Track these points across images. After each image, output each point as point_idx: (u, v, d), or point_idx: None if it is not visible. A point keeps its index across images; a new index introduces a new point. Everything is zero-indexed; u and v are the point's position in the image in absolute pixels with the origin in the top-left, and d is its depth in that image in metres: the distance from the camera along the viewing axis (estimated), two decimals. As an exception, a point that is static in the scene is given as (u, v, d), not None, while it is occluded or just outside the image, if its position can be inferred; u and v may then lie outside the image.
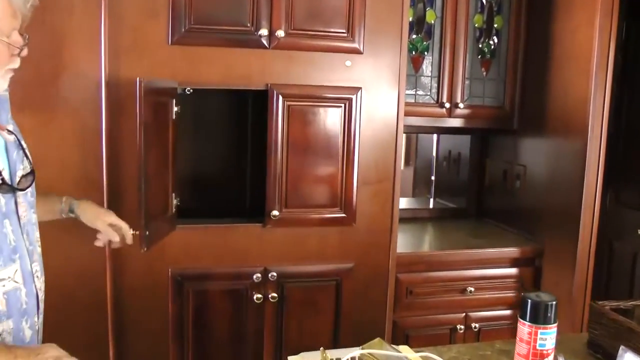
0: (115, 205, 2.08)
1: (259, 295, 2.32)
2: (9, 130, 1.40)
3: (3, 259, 1.30)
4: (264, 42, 2.20)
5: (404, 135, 3.23)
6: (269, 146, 2.26)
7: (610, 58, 2.39)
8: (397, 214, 2.43)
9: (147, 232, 1.92)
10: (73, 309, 2.13)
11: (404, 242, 2.69)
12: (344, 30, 2.27)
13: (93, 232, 1.81)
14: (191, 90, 2.24)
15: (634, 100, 2.83)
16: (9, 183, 1.35)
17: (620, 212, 2.94)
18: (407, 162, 3.73)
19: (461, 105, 2.79)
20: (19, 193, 1.38)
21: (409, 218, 3.19)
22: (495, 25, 2.85)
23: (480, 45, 2.84)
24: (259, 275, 2.31)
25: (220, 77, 2.20)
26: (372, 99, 2.34)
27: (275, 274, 2.33)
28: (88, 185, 2.10)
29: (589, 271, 2.52)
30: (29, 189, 1.43)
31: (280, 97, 2.22)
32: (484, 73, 2.85)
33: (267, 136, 2.25)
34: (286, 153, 2.27)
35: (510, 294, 2.69)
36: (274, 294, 2.33)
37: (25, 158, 1.43)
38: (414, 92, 2.77)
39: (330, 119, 2.30)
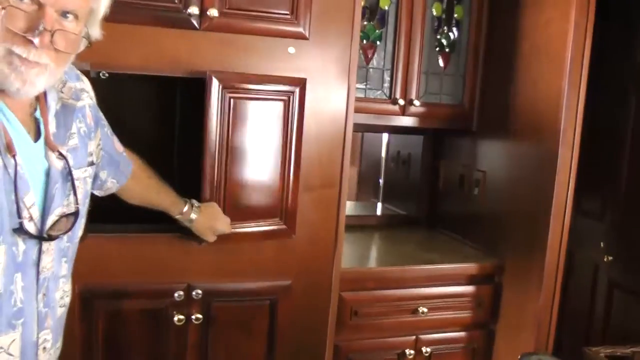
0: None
1: (181, 316, 2.08)
2: (60, 154, 1.15)
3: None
4: (194, 22, 1.95)
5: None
6: (206, 148, 1.98)
7: (586, 54, 2.24)
8: (342, 225, 2.23)
9: None
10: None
11: (348, 255, 2.50)
12: (287, 12, 2.04)
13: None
14: (106, 75, 1.97)
15: (600, 104, 2.72)
16: (31, 229, 1.10)
17: (581, 222, 2.83)
18: (352, 162, 3.56)
19: (416, 102, 2.61)
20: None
21: (354, 225, 2.98)
22: (456, 15, 2.68)
23: (438, 37, 2.67)
24: (182, 292, 2.08)
25: (141, 61, 1.94)
26: (318, 93, 2.12)
27: (200, 291, 2.09)
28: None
29: (556, 289, 2.39)
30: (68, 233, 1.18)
31: (221, 87, 1.95)
32: (442, 67, 2.69)
33: (203, 135, 1.97)
34: (225, 156, 2.02)
35: (466, 314, 2.54)
36: (199, 315, 2.10)
37: (73, 194, 1.18)
38: (364, 86, 2.58)
39: (271, 114, 2.07)
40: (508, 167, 2.57)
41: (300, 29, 2.07)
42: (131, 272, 2.05)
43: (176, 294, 2.07)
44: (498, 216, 2.62)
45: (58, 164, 1.17)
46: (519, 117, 2.50)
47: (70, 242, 1.24)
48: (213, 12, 1.95)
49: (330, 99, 2.15)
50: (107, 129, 1.49)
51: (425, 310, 2.44)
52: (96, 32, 1.21)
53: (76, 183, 1.21)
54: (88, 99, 1.34)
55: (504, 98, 2.56)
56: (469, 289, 2.53)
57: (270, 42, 2.04)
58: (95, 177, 1.42)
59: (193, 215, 1.89)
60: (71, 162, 1.20)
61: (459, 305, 2.52)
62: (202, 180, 1.99)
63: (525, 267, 2.46)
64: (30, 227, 1.10)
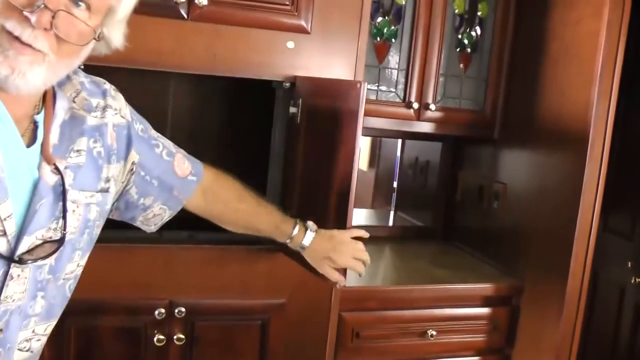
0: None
1: (161, 336, 1.91)
2: (55, 167, 0.98)
3: None
4: (181, 10, 1.79)
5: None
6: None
7: (619, 58, 2.03)
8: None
9: None
10: None
11: (351, 271, 2.28)
12: (286, 2, 1.86)
13: None
14: (81, 67, 1.79)
15: (633, 112, 2.51)
16: (1, 246, 0.94)
17: (608, 240, 2.63)
18: (367, 168, 3.40)
19: (432, 106, 2.41)
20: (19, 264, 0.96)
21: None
22: (479, 13, 2.48)
23: (459, 36, 2.47)
24: (163, 310, 1.90)
25: (120, 53, 1.76)
26: (320, 93, 1.93)
27: (183, 309, 1.92)
28: None
29: (579, 314, 2.19)
30: (49, 262, 1.02)
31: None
32: (463, 69, 2.49)
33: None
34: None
35: (480, 338, 2.34)
36: (181, 335, 1.93)
37: (62, 217, 1.01)
38: (376, 87, 2.39)
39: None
40: (531, 180, 2.38)
41: (301, 22, 1.89)
42: (106, 285, 1.87)
43: (157, 312, 1.91)
44: (518, 232, 2.43)
45: (50, 179, 0.99)
46: (544, 126, 2.30)
47: (52, 275, 1.04)
48: (202, 0, 1.77)
49: (333, 100, 1.95)
50: (161, 150, 1.30)
51: (435, 333, 2.26)
52: (117, 38, 1.07)
53: (70, 206, 1.03)
54: (115, 116, 1.15)
55: (529, 104, 2.36)
56: (483, 311, 2.34)
57: (266, 35, 1.87)
58: (130, 206, 1.27)
59: (306, 241, 1.60)
60: (68, 181, 1.02)
61: (472, 328, 2.33)
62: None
63: (546, 289, 2.27)
64: (1, 244, 0.93)
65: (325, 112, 1.77)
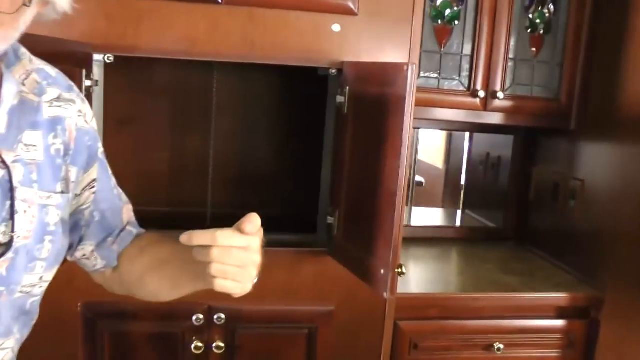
0: None
1: (200, 344, 1.84)
2: (1, 160, 0.90)
3: None
4: (216, -7, 1.71)
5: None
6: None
7: None
8: (398, 239, 1.87)
9: None
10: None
11: (411, 275, 2.20)
12: (331, -19, 1.75)
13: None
14: (112, 59, 1.73)
15: None
16: None
17: None
18: (436, 164, 3.25)
19: (500, 95, 2.25)
20: None
21: (427, 238, 2.68)
22: (553, -11, 2.33)
23: (530, 16, 2.31)
24: (201, 316, 1.84)
25: (152, 42, 1.71)
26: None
27: (223, 315, 1.85)
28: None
29: None
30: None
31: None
32: (534, 53, 2.32)
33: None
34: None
35: (553, 354, 2.15)
36: (220, 343, 1.85)
37: (10, 218, 0.91)
38: (437, 75, 2.24)
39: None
40: (612, 176, 2.21)
41: (347, 2, 1.77)
42: None
43: (194, 318, 1.84)
44: (598, 235, 2.25)
45: None
46: (628, 115, 2.12)
47: (5, 287, 0.93)
48: (237, -19, 1.68)
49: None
50: (114, 184, 1.18)
51: (502, 347, 2.10)
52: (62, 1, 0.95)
53: (20, 206, 0.92)
54: (79, 118, 1.05)
55: (611, 91, 2.20)
56: (558, 324, 2.16)
57: (309, 18, 1.76)
58: (75, 230, 1.11)
59: None
60: (17, 177, 0.91)
61: (545, 343, 2.15)
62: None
63: (630, 301, 2.10)
64: None
65: (372, 100, 1.64)
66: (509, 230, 2.80)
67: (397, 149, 1.50)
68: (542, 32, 2.32)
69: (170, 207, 2.24)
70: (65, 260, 1.09)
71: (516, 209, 2.79)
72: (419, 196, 2.85)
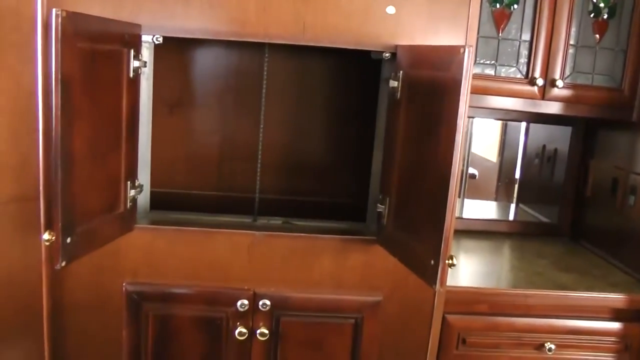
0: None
1: (243, 330, 1.84)
2: None
3: None
4: (267, -27, 1.69)
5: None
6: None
7: None
8: (450, 230, 1.84)
9: (70, 239, 1.46)
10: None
11: (462, 269, 2.16)
12: (384, -39, 1.72)
13: (29, 227, 1.62)
14: (160, 40, 1.72)
15: None
16: None
17: None
18: (489, 155, 3.18)
19: (560, 83, 2.18)
20: None
21: (479, 232, 2.64)
22: (619, -29, 2.24)
23: (594, 0, 2.23)
24: (246, 301, 1.83)
25: (201, 22, 1.69)
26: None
27: (268, 302, 1.84)
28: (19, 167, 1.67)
29: None
30: None
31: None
32: (597, 39, 2.24)
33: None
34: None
35: (607, 357, 2.08)
36: (264, 330, 1.85)
37: None
38: (494, 62, 2.19)
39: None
40: None
41: None
42: (184, 272, 1.84)
43: (239, 303, 1.84)
44: None
45: None
46: None
47: None
48: (289, -40, 1.66)
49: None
50: None
51: (553, 347, 2.04)
52: None
53: None
54: None
55: None
56: (613, 326, 2.08)
57: (362, 0, 1.71)
58: None
59: None
60: None
61: (599, 345, 2.08)
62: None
63: None
64: None
65: (427, 85, 1.60)
66: (564, 226, 2.74)
67: (451, 135, 1.45)
68: (605, 16, 2.24)
69: (219, 192, 2.24)
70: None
71: (572, 204, 2.73)
72: (472, 189, 2.79)
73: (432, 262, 1.52)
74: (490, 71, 2.19)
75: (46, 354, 1.80)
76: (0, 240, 1.71)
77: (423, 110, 1.62)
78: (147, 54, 1.75)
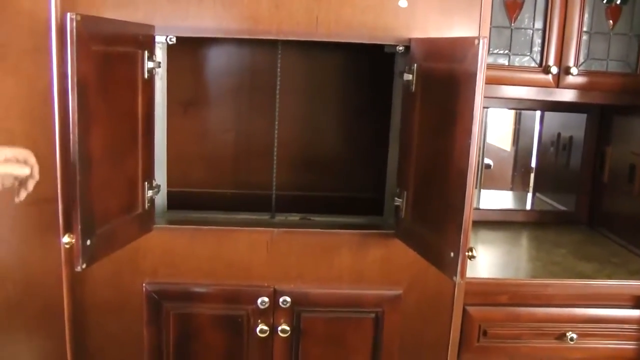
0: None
1: (264, 327, 1.85)
2: None
3: None
4: (278, -29, 1.70)
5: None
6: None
7: None
8: (468, 221, 1.82)
9: (89, 241, 1.47)
10: (16, 328, 1.79)
11: (481, 260, 2.14)
12: (396, -48, 1.71)
13: (48, 228, 1.65)
14: (174, 40, 1.72)
15: None
16: None
17: None
18: (503, 145, 3.17)
19: (574, 70, 2.18)
20: None
21: (497, 222, 2.64)
22: (632, -46, 2.22)
23: None
24: (266, 299, 1.84)
25: (214, 21, 1.70)
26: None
27: (288, 298, 1.85)
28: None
29: None
30: None
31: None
32: (611, 25, 2.22)
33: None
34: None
35: (629, 346, 2.07)
36: (286, 326, 1.86)
37: None
38: (507, 52, 2.18)
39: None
40: None
41: None
42: (205, 270, 1.84)
43: (259, 300, 1.85)
44: None
45: None
46: None
47: None
48: (300, -45, 1.66)
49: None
50: None
51: (575, 336, 2.03)
52: None
53: None
54: None
55: None
56: (635, 313, 2.06)
57: None
58: None
59: None
60: None
61: (621, 334, 2.07)
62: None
63: None
64: None
65: (441, 77, 1.60)
66: (581, 214, 2.73)
67: (467, 127, 1.45)
68: (619, 2, 2.22)
69: (235, 189, 2.25)
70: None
71: (589, 192, 2.72)
72: (487, 179, 2.78)
73: (452, 254, 1.52)
74: (503, 61, 2.19)
75: (68, 354, 1.82)
76: (21, 241, 1.73)
77: (438, 103, 1.61)
78: (160, 54, 1.76)
